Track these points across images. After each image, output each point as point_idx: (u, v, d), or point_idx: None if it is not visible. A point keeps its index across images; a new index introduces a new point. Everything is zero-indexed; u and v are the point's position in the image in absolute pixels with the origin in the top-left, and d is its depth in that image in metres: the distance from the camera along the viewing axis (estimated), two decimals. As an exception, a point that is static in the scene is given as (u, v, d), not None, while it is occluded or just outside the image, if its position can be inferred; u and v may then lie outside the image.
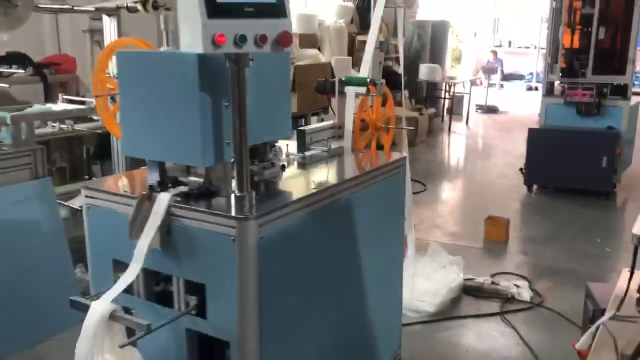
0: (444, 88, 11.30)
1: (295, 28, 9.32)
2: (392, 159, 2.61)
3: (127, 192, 2.04)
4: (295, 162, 2.54)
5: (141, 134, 1.96)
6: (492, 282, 3.97)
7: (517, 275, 4.21)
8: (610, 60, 6.10)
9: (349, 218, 2.27)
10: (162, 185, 2.02)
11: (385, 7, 3.59)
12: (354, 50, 9.74)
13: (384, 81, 3.03)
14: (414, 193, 6.29)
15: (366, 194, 2.36)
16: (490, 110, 12.86)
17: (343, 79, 2.97)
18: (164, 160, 1.97)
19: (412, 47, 11.33)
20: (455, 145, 9.98)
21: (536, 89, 16.90)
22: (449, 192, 6.98)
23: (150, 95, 1.90)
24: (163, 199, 1.93)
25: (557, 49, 6.17)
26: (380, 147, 3.30)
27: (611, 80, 6.11)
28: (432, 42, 11.46)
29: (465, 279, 3.99)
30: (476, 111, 12.73)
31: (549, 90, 6.38)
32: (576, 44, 6.20)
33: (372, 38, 3.04)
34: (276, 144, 2.43)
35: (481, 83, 14.81)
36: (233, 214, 1.76)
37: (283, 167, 2.38)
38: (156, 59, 1.89)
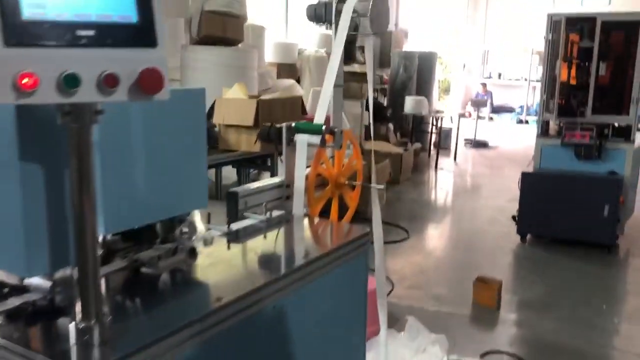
0: (431, 122, 10.73)
1: (273, 57, 8.77)
2: (350, 237, 1.94)
3: None
4: (216, 241, 1.87)
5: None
6: (483, 367, 3.28)
7: (511, 355, 3.52)
8: (612, 99, 5.53)
9: (280, 329, 1.59)
10: (-6, 291, 1.34)
11: (355, 34, 2.99)
12: (336, 81, 9.17)
13: (345, 128, 2.40)
14: (395, 242, 5.63)
15: (308, 293, 1.68)
16: (480, 144, 12.31)
17: (293, 125, 2.32)
18: (-21, 262, 1.29)
19: (397, 78, 10.80)
20: (442, 183, 9.36)
21: (527, 122, 16.45)
22: (435, 241, 6.31)
23: None
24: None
25: (553, 85, 5.60)
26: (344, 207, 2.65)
27: (613, 120, 5.54)
28: (419, 73, 10.94)
29: (450, 361, 3.30)
30: (465, 145, 12.17)
31: (544, 130, 5.78)
32: (574, 80, 5.63)
33: (330, 75, 2.40)
34: (187, 217, 1.76)
35: (470, 115, 14.31)
36: (65, 362, 1.08)
37: (193, 252, 1.70)
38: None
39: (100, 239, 1.63)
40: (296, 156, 2.28)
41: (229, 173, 6.28)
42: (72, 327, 1.13)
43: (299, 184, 2.27)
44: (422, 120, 10.72)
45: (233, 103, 4.74)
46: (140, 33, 1.05)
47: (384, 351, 2.98)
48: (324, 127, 2.24)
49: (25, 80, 0.94)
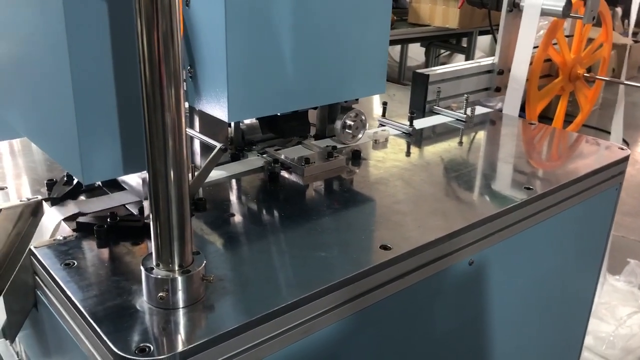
0: (674, 7, 8.56)
1: None
2: (601, 160, 1.25)
3: (3, 187, 1.02)
4: (391, 143, 1.31)
5: (11, 88, 0.89)
6: None
7: None
8: None
9: (474, 297, 1.03)
10: (71, 185, 0.96)
11: None
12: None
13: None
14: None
15: (524, 242, 1.08)
16: None
17: (522, -19, 1.58)
18: (40, 149, 0.89)
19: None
20: (677, 86, 7.56)
21: None
22: (662, 157, 5.07)
23: (9, 19, 0.81)
24: (47, 225, 0.89)
25: None
26: (569, 112, 1.89)
27: None
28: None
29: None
30: None
31: None
32: None
33: None
34: (354, 107, 1.22)
35: None
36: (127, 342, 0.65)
37: (356, 157, 1.18)
38: None
39: (231, 127, 1.18)
40: (520, 29, 1.56)
41: (415, 54, 5.54)
42: (143, 273, 0.69)
43: (519, 70, 1.57)
44: (662, 6, 8.60)
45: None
46: None
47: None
48: (572, -14, 1.47)
49: None
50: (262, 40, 0.90)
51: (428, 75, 1.45)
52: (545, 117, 1.86)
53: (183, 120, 0.63)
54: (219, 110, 0.93)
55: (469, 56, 4.16)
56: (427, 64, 4.69)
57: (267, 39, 0.91)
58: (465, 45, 4.36)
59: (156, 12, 0.59)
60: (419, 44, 4.66)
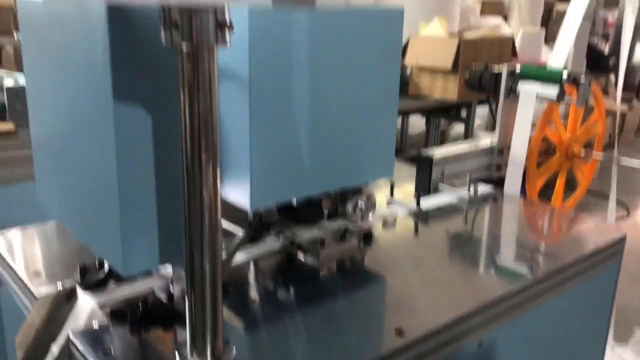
0: (665, 75, 8.86)
1: (478, -8, 7.78)
2: (600, 240, 1.31)
3: (38, 272, 1.07)
4: (399, 222, 1.38)
5: (51, 172, 0.96)
6: None
7: None
8: None
9: (485, 372, 1.07)
10: (103, 273, 1.02)
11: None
12: (550, 22, 7.94)
13: (589, 80, 1.70)
14: (609, 219, 4.63)
15: (529, 322, 1.13)
16: None
17: (518, 70, 1.69)
18: (78, 240, 0.95)
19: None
20: (673, 150, 7.71)
21: None
22: (662, 222, 5.12)
23: (57, 97, 0.89)
24: (81, 311, 0.94)
25: None
26: (569, 184, 1.97)
27: None
28: (656, 15, 9.01)
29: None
30: None
31: None
32: None
33: (577, 6, 1.69)
34: (364, 189, 1.30)
35: None
36: None
37: (368, 238, 1.24)
38: (56, 14, 0.85)
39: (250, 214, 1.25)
40: (518, 112, 1.67)
41: (416, 121, 5.71)
42: (177, 360, 0.74)
43: (518, 151, 1.66)
44: (654, 73, 8.90)
45: (430, 41, 4.12)
46: None
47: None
48: (565, 75, 1.58)
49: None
50: (282, 133, 0.98)
51: (432, 158, 1.54)
52: (547, 186, 1.93)
53: (219, 204, 0.70)
54: (240, 197, 1.00)
55: (468, 126, 4.30)
56: (427, 133, 4.83)
57: (286, 132, 0.99)
58: (464, 116, 4.51)
59: (197, 87, 0.66)
60: (418, 114, 4.81)
